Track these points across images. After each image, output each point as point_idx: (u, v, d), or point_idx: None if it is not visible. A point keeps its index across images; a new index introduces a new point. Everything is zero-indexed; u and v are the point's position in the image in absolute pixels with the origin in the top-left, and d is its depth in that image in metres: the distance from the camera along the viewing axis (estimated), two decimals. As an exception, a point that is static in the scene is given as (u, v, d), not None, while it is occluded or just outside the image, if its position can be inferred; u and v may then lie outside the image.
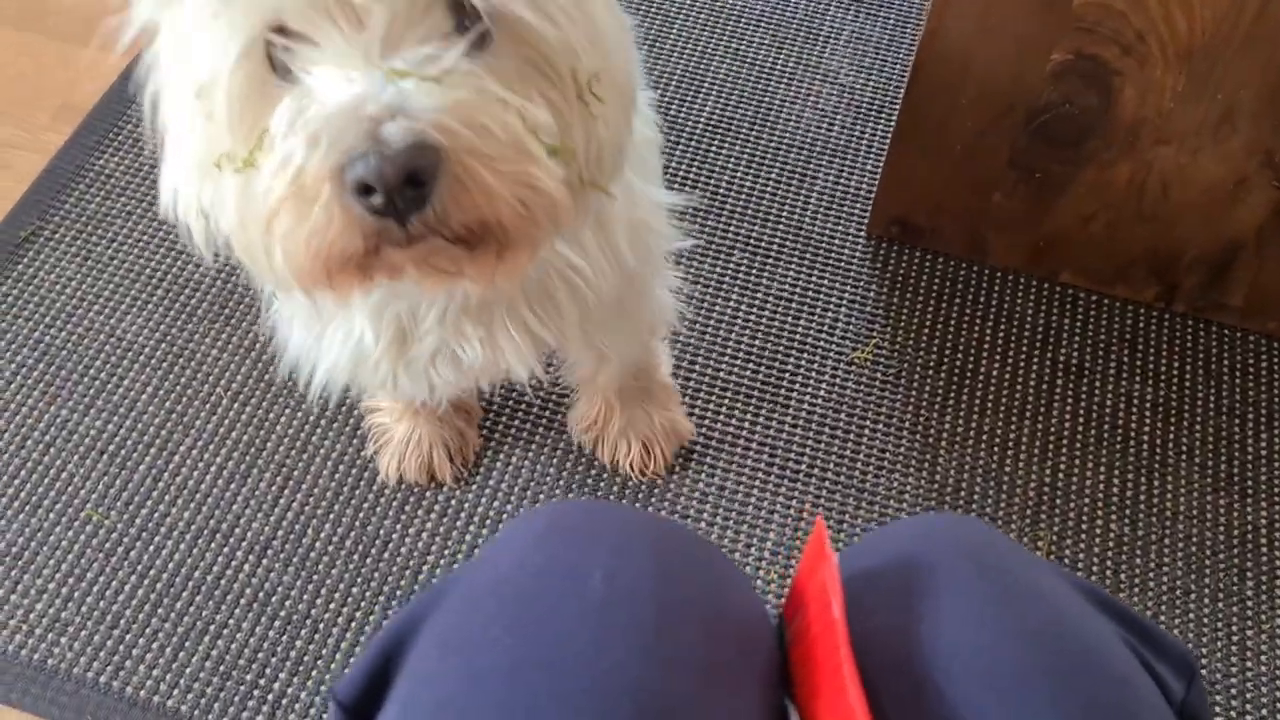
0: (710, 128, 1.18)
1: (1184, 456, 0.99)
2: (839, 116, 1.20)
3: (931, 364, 1.04)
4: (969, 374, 1.03)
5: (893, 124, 1.05)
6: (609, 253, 0.71)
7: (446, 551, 0.93)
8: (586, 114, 0.55)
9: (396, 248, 0.50)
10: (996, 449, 0.99)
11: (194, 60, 0.52)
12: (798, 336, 1.05)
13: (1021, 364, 1.04)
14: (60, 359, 1.03)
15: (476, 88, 0.50)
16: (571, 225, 0.56)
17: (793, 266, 1.09)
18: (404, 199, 0.47)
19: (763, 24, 1.27)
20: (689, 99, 1.20)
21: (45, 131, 1.17)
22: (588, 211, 0.59)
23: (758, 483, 0.97)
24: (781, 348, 1.04)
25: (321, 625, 0.90)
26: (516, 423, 1.00)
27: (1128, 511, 0.96)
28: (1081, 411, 1.01)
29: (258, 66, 0.51)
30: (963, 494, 0.97)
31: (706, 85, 1.21)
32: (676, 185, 1.13)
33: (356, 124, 0.47)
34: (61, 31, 1.25)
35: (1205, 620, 0.91)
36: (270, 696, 0.87)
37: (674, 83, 1.21)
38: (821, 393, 1.02)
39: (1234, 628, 0.91)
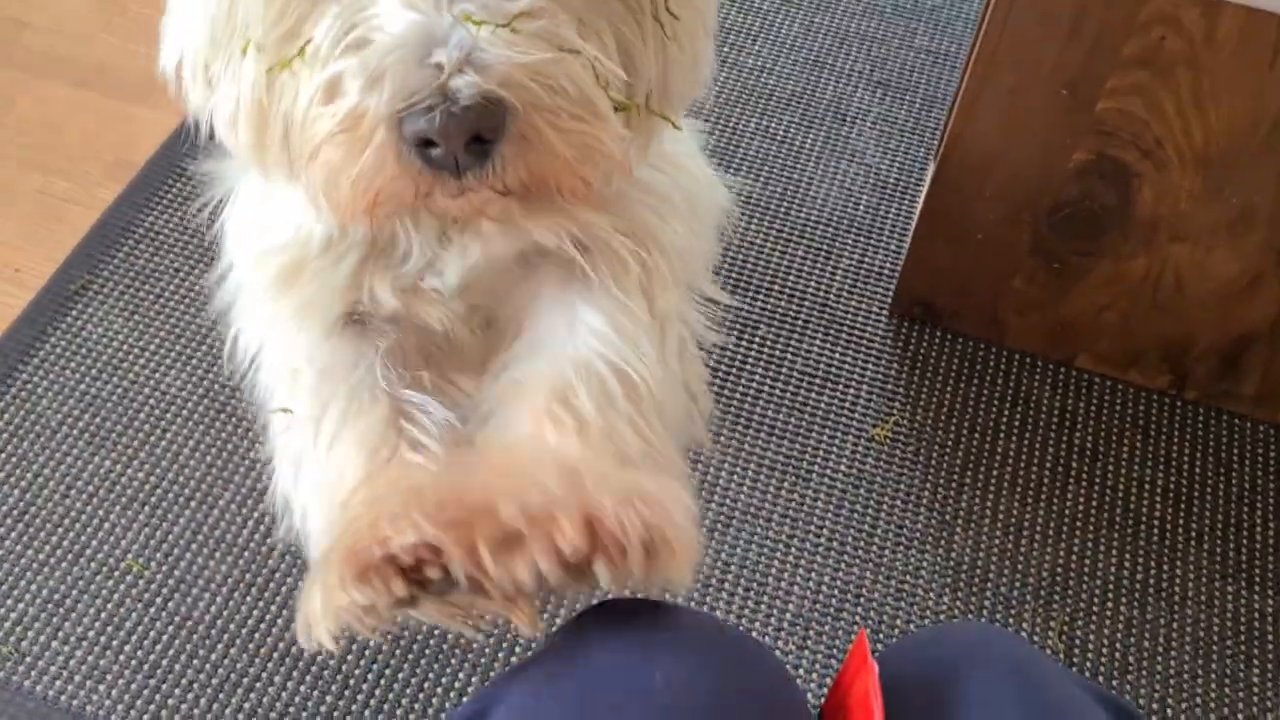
0: (739, 204, 1.22)
1: (1194, 542, 1.02)
2: (864, 196, 1.24)
3: (950, 443, 1.07)
4: (986, 454, 1.06)
5: (917, 204, 1.09)
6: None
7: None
8: (660, 35, 0.52)
9: (448, 197, 0.48)
10: (1011, 529, 1.02)
11: None
12: (820, 411, 1.08)
13: (1037, 446, 1.07)
14: (105, 411, 1.06)
15: (550, 36, 0.46)
16: (625, 171, 0.53)
17: (817, 342, 1.13)
18: (466, 156, 0.44)
19: (793, 104, 1.31)
20: (722, 173, 1.24)
21: (98, 187, 1.22)
22: (645, 149, 0.55)
23: (779, 554, 1.00)
24: (804, 422, 1.07)
25: (351, 681, 0.92)
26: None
27: (1138, 595, 0.99)
28: (1095, 495, 1.04)
29: None
30: (978, 573, 0.99)
31: (737, 162, 1.26)
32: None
33: (423, 71, 0.43)
34: (118, 90, 1.29)
35: (1212, 705, 0.94)
36: (301, 751, 0.90)
37: (706, 155, 1.25)
38: (843, 467, 1.05)
39: (1240, 714, 0.93)
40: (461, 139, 0.43)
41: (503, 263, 0.62)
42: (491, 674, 0.94)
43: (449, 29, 0.44)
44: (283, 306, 0.64)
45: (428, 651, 0.94)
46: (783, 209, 1.22)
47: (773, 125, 1.29)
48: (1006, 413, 1.09)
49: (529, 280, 0.64)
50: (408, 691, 0.92)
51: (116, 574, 0.97)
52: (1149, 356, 1.08)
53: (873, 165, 1.26)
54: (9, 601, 0.95)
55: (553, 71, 0.45)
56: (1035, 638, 0.97)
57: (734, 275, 1.16)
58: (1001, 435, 1.07)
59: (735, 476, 1.04)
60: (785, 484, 1.04)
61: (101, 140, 1.26)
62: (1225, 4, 0.83)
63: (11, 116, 1.27)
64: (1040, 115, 0.93)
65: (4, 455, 1.03)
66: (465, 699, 0.92)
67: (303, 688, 0.92)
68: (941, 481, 1.05)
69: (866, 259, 1.19)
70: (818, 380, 1.10)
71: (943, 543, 1.01)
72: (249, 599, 0.96)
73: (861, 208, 1.23)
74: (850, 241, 1.20)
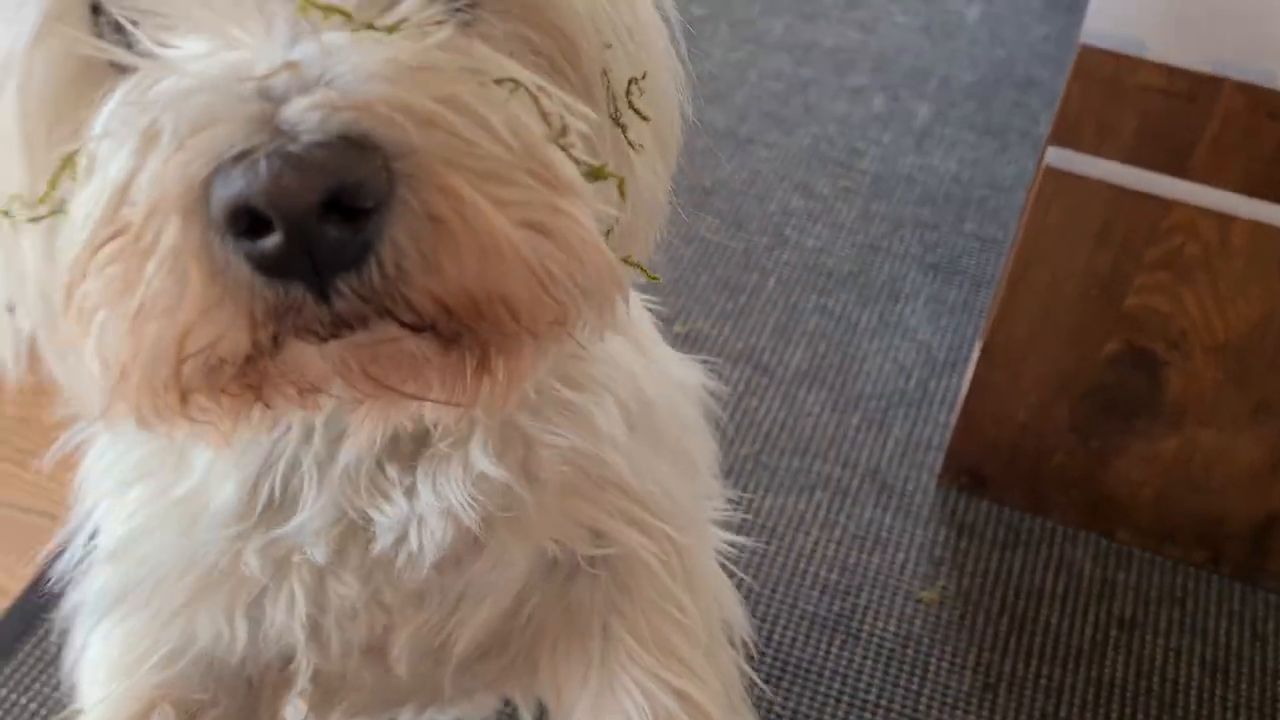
0: (798, 375, 1.32)
1: (1230, 713, 1.06)
2: (916, 371, 1.33)
3: (995, 608, 1.13)
4: (1029, 620, 1.12)
5: (965, 380, 1.18)
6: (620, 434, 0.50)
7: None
8: (621, 142, 0.37)
9: (310, 339, 0.29)
10: (1053, 694, 1.07)
11: None
12: (871, 573, 1.15)
13: (1079, 614, 1.13)
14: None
15: (463, 52, 0.30)
16: (602, 318, 0.36)
17: (869, 507, 1.20)
18: (325, 243, 0.27)
19: (849, 283, 1.42)
20: (780, 348, 1.35)
21: None
22: (626, 297, 0.39)
23: (828, 710, 1.06)
24: (856, 583, 1.14)
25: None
26: None
27: (1177, 764, 1.03)
28: (1134, 663, 1.09)
29: (73, 42, 0.32)
30: (1020, 735, 1.04)
31: (796, 336, 1.36)
32: (766, 425, 1.26)
33: (235, 102, 0.27)
34: None
35: None
36: None
37: (766, 332, 1.36)
38: (891, 628, 1.11)
39: None
40: (307, 200, 0.26)
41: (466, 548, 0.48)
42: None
43: (285, 37, 0.28)
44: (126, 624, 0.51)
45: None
46: (839, 381, 1.32)
47: (830, 303, 1.40)
48: (1050, 581, 1.15)
49: (506, 586, 0.52)
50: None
51: None
52: (1184, 532, 1.14)
53: (924, 342, 1.36)
54: None
55: (471, 103, 0.29)
56: (1076, 801, 1.01)
57: (791, 442, 1.25)
58: (1045, 602, 1.13)
59: (789, 632, 1.11)
60: (836, 642, 1.10)
61: None
62: (1236, 218, 0.93)
63: None
64: (1074, 307, 1.03)
65: None
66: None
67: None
68: (986, 645, 1.10)
69: (917, 430, 1.27)
70: (869, 543, 1.18)
71: (986, 705, 1.06)
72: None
73: (913, 382, 1.32)
74: (902, 413, 1.29)
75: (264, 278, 0.27)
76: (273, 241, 0.26)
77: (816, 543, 1.17)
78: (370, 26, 0.29)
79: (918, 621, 1.12)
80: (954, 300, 1.41)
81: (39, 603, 1.06)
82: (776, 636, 1.11)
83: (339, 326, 0.28)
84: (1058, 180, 0.96)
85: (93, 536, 0.51)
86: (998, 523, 1.20)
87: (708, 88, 1.68)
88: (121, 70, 0.31)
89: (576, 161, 0.31)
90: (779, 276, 1.43)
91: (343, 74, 0.27)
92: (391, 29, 0.29)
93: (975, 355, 1.13)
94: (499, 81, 0.30)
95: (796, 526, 1.19)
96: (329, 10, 0.28)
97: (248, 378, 0.30)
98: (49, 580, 0.53)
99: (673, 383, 0.57)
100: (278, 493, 0.45)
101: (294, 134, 0.26)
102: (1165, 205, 0.94)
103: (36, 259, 0.33)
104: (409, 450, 0.45)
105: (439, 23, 0.30)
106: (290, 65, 0.27)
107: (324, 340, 0.29)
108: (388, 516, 0.45)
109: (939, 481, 1.23)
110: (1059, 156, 0.96)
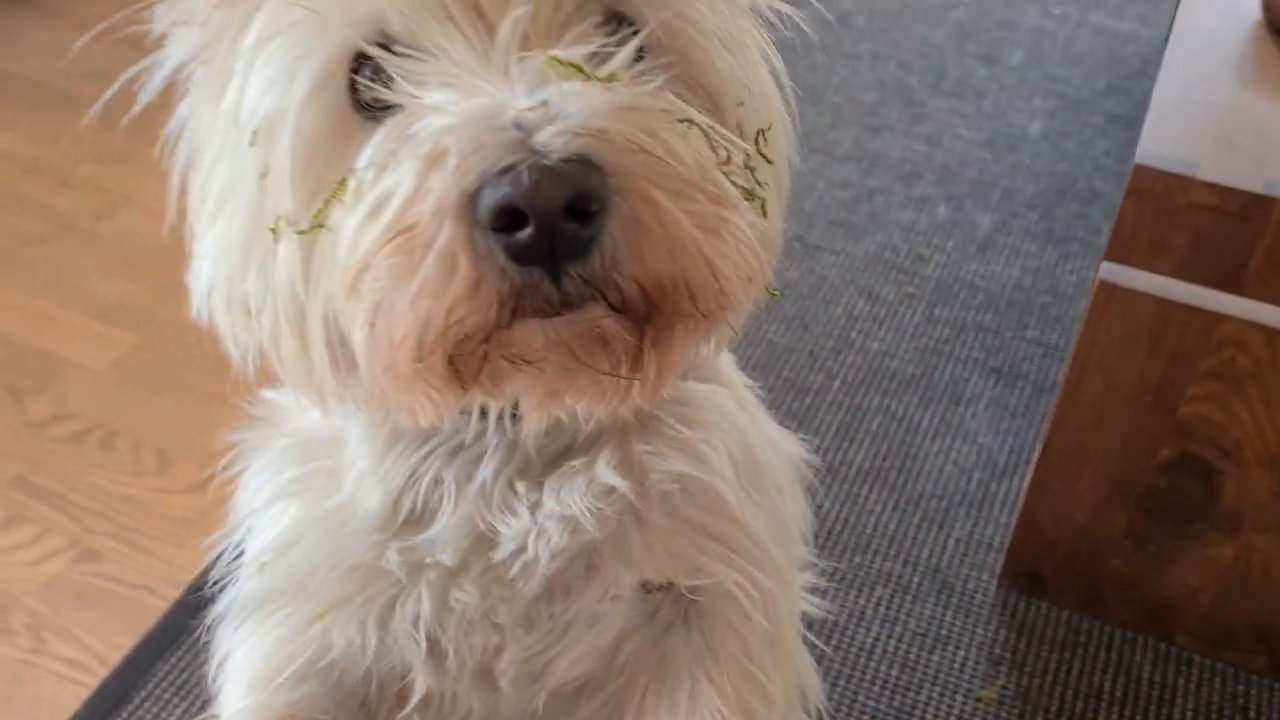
0: (861, 474, 1.36)
1: (1294, 825, 1.06)
2: (976, 473, 1.36)
3: (1054, 708, 1.14)
4: (1088, 722, 1.14)
5: (1025, 483, 1.21)
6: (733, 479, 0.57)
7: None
8: (751, 182, 0.44)
9: (539, 317, 0.37)
10: (1112, 797, 1.08)
11: (251, 95, 0.42)
12: (930, 670, 1.18)
13: (1138, 717, 1.14)
14: None
15: (656, 98, 0.39)
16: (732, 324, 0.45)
17: (929, 605, 1.23)
18: (564, 236, 0.35)
19: (912, 386, 1.47)
20: (843, 447, 1.39)
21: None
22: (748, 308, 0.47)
23: (888, 804, 1.08)
24: (915, 679, 1.17)
25: None
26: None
27: None
28: (1194, 770, 1.10)
29: (337, 98, 0.41)
30: (1079, 837, 1.05)
31: (860, 436, 1.41)
32: (829, 522, 1.30)
33: (497, 132, 0.35)
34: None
35: None
36: None
37: (830, 432, 1.41)
38: (950, 725, 1.14)
39: None
40: (557, 205, 0.34)
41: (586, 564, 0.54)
42: None
43: (532, 82, 0.37)
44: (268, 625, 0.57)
45: None
46: (900, 481, 1.35)
47: (893, 404, 1.44)
48: (1109, 684, 1.17)
49: (609, 628, 0.58)
50: None
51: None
52: (1243, 638, 1.15)
53: (985, 445, 1.40)
54: None
55: (665, 135, 0.38)
56: None
57: (853, 539, 1.29)
58: (1104, 705, 1.15)
59: (849, 726, 1.14)
60: (896, 737, 1.13)
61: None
62: (1286, 332, 0.96)
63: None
64: (1129, 414, 1.06)
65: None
66: None
67: None
68: (1045, 745, 1.12)
69: (978, 530, 1.31)
70: (929, 640, 1.20)
71: (1045, 805, 1.08)
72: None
73: (974, 483, 1.35)
74: (963, 514, 1.32)
75: (515, 264, 0.36)
76: (525, 234, 0.35)
77: (877, 639, 1.20)
78: (593, 78, 0.38)
79: (977, 719, 1.14)
80: (1015, 405, 1.44)
81: (190, 610, 1.13)
82: (836, 729, 1.13)
83: (563, 306, 0.37)
84: (1110, 293, 1.01)
85: (242, 546, 0.59)
86: (1057, 624, 1.22)
87: (777, 196, 1.76)
88: (372, 118, 0.41)
89: (735, 184, 0.40)
90: (843, 378, 1.48)
91: (578, 112, 0.36)
92: (608, 79, 0.38)
93: (1035, 459, 1.17)
94: (682, 120, 0.39)
95: (858, 622, 1.22)
96: (567, 66, 0.38)
97: (482, 349, 0.38)
98: (201, 587, 0.61)
99: (773, 446, 0.63)
100: (419, 506, 0.53)
101: (546, 153, 0.35)
102: (1215, 318, 0.98)
103: (291, 267, 0.42)
104: (539, 469, 0.53)
105: (643, 76, 0.40)
106: (542, 104, 0.36)
107: (548, 317, 0.37)
108: (511, 529, 0.52)
109: (999, 582, 1.25)
110: (1112, 270, 1.01)
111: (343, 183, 0.40)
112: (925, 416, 1.43)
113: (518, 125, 0.36)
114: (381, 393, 0.41)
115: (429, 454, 0.52)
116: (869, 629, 1.21)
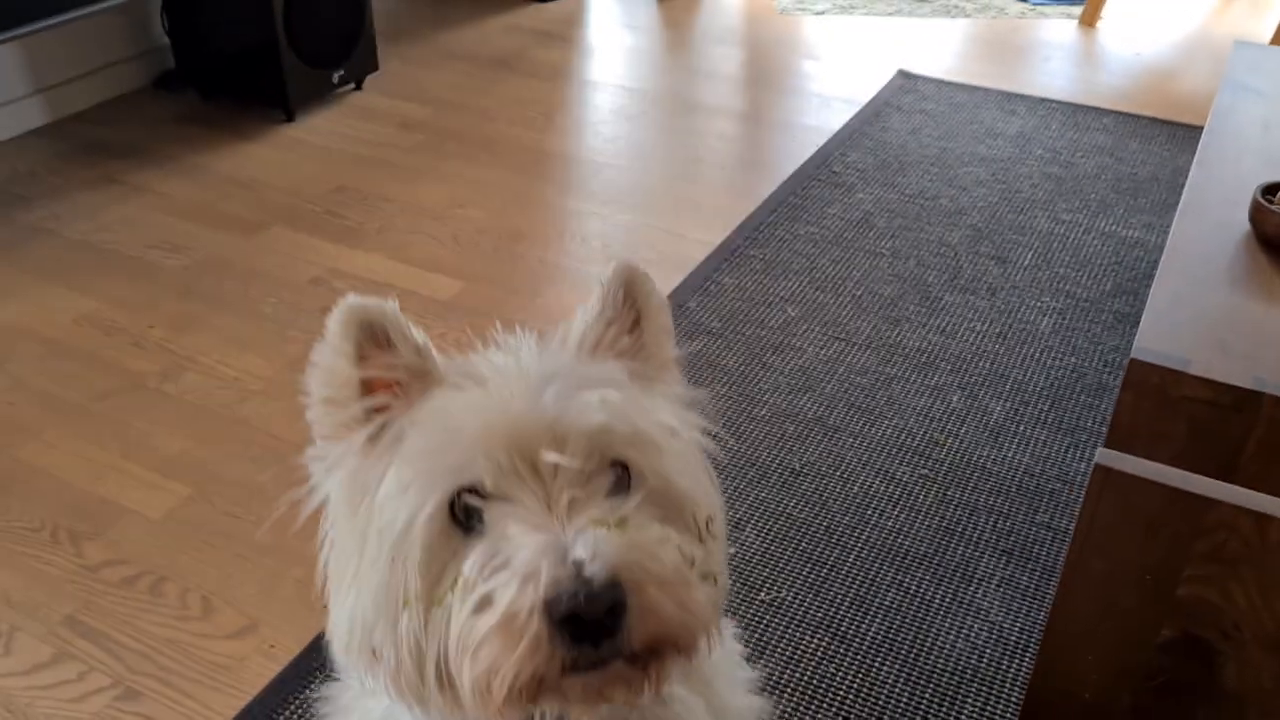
0: (874, 646, 1.40)
1: None
2: (988, 651, 1.40)
3: None
4: None
5: (1034, 662, 1.25)
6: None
7: None
8: (704, 551, 0.67)
9: (581, 673, 0.59)
10: None
11: (387, 515, 0.63)
12: (941, 845, 1.19)
13: None
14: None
15: (647, 529, 0.62)
16: (709, 637, 0.67)
17: (940, 780, 1.26)
18: (601, 627, 0.57)
19: (924, 563, 1.52)
20: (857, 619, 1.44)
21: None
22: (718, 626, 0.70)
23: None
24: None
25: None
26: None
27: None
28: None
29: (446, 520, 0.63)
30: None
31: (874, 609, 1.45)
32: (841, 695, 1.34)
33: (564, 566, 0.57)
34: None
35: None
36: None
37: (845, 603, 1.46)
38: None
39: None
40: (600, 611, 0.57)
41: None
42: None
43: (577, 534, 0.59)
44: None
45: None
46: (912, 655, 1.39)
47: (906, 580, 1.50)
48: None
49: None
50: None
51: None
52: (1252, 825, 1.16)
53: (996, 623, 1.44)
54: None
55: (655, 552, 0.61)
56: None
57: (866, 710, 1.32)
58: None
59: None
60: None
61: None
62: (1274, 518, 1.03)
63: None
64: (1129, 595, 1.12)
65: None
66: None
67: None
68: None
69: (989, 707, 1.34)
70: (940, 815, 1.22)
71: None
72: None
73: (985, 660, 1.39)
74: (974, 690, 1.35)
75: (574, 644, 0.58)
76: (580, 628, 0.57)
77: (889, 811, 1.22)
78: (614, 526, 0.61)
79: None
80: (1026, 585, 1.49)
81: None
82: None
83: (597, 664, 0.59)
84: (1107, 476, 1.08)
85: None
86: (1067, 804, 1.23)
87: (799, 380, 1.85)
88: (466, 537, 0.63)
89: (696, 571, 0.65)
90: (859, 553, 1.53)
91: (609, 552, 0.58)
92: (620, 524, 0.61)
93: (1039, 648, 1.21)
94: (664, 538, 0.63)
95: (870, 793, 1.24)
96: (601, 522, 0.61)
97: (538, 692, 0.60)
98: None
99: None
100: None
101: (592, 581, 0.57)
102: (1208, 503, 1.05)
103: (413, 628, 0.63)
104: None
105: (637, 504, 0.65)
106: (589, 548, 0.58)
107: (585, 671, 0.59)
108: None
109: (1009, 759, 1.28)
110: (1108, 456, 1.09)
111: (456, 579, 0.61)
112: (938, 593, 1.48)
113: (575, 561, 0.58)
114: (473, 708, 0.61)
115: None
116: (881, 801, 1.23)
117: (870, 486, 1.64)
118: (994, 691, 1.35)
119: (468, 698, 0.60)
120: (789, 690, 1.34)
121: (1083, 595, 1.14)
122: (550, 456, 0.62)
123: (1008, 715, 1.33)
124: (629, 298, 0.74)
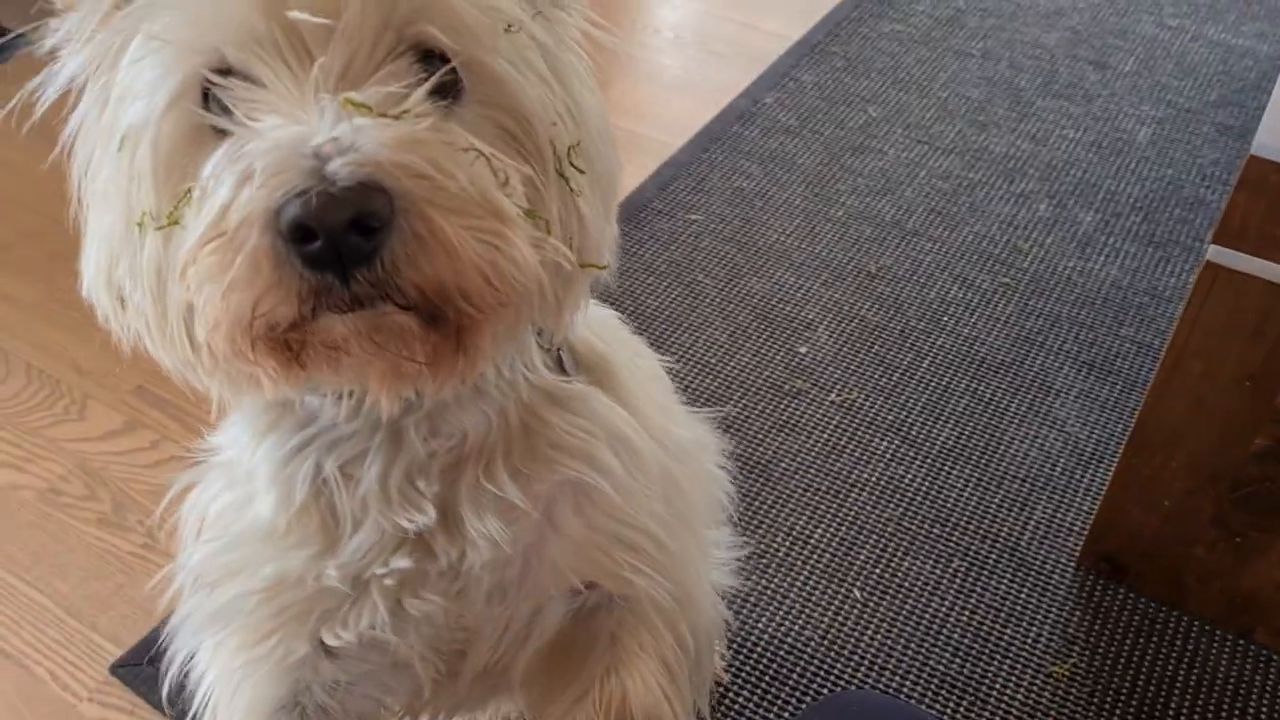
0: (945, 451, 1.38)
1: (1365, 825, 1.05)
2: (1062, 460, 1.37)
3: (1125, 690, 1.15)
4: (1159, 708, 1.14)
5: (1110, 473, 1.22)
6: (632, 467, 0.64)
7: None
8: (565, 189, 0.51)
9: (336, 312, 0.44)
10: (1179, 780, 1.08)
11: (121, 107, 0.48)
12: (1003, 643, 1.19)
13: (1210, 710, 1.13)
14: None
15: (442, 131, 0.45)
16: (561, 315, 0.53)
17: (1005, 580, 1.24)
18: (348, 248, 0.42)
19: (1001, 372, 1.48)
20: (929, 425, 1.41)
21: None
22: (581, 299, 0.55)
23: (952, 766, 1.09)
24: (988, 650, 1.18)
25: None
26: None
27: None
28: (1265, 763, 1.09)
29: (190, 114, 0.47)
30: (1142, 815, 1.06)
31: (945, 415, 1.42)
32: (909, 495, 1.32)
33: (297, 159, 0.42)
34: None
35: None
36: None
37: (917, 408, 1.43)
38: (1019, 697, 1.14)
39: None
40: (341, 223, 0.41)
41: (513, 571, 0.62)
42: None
43: (330, 119, 0.43)
44: (228, 644, 0.64)
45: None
46: (984, 460, 1.36)
47: (980, 388, 1.45)
48: (1182, 674, 1.16)
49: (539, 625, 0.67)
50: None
51: None
52: (1326, 638, 1.14)
53: (1072, 434, 1.40)
54: None
55: (446, 164, 0.44)
56: None
57: (933, 511, 1.31)
58: (1175, 693, 1.15)
59: (918, 689, 1.15)
60: (964, 704, 1.14)
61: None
62: (1395, 324, 0.96)
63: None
64: (1224, 401, 1.07)
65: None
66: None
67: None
68: (1114, 725, 1.12)
69: (1059, 515, 1.31)
70: (1003, 615, 1.21)
71: (1110, 781, 1.08)
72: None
73: (1058, 470, 1.36)
74: (1045, 498, 1.33)
75: (308, 268, 0.42)
76: (315, 245, 0.42)
77: (951, 608, 1.22)
78: (384, 115, 0.44)
79: (1046, 694, 1.15)
80: (1106, 398, 1.44)
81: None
82: (906, 690, 1.15)
83: (354, 304, 0.44)
84: (1216, 274, 1.01)
85: (189, 566, 0.66)
86: (1133, 610, 1.22)
87: (878, 182, 1.78)
88: (219, 134, 0.47)
89: (517, 206, 0.47)
90: (933, 359, 1.49)
91: (365, 144, 0.42)
92: (396, 116, 0.44)
93: (1125, 442, 1.17)
94: (465, 149, 0.46)
95: (933, 590, 1.23)
96: (359, 106, 0.44)
97: (293, 338, 0.45)
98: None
99: (664, 434, 0.69)
100: (327, 511, 0.60)
101: (333, 180, 0.41)
102: (1322, 307, 0.98)
103: (153, 258, 0.49)
104: (436, 473, 0.59)
105: (428, 113, 0.46)
106: (334, 139, 0.43)
107: (343, 312, 0.44)
108: (415, 523, 0.58)
109: (1078, 564, 1.26)
110: (1220, 254, 1.02)
111: (189, 190, 0.46)
112: (1013, 402, 1.44)
113: (316, 155, 0.42)
114: (219, 365, 0.48)
115: (307, 442, 0.59)
116: (944, 598, 1.23)
117: (948, 293, 1.59)
118: (1065, 499, 1.33)
119: (205, 350, 0.47)
120: (857, 488, 1.32)
121: (1175, 398, 1.09)
122: (298, 15, 0.45)
123: (1078, 524, 1.30)
124: None
